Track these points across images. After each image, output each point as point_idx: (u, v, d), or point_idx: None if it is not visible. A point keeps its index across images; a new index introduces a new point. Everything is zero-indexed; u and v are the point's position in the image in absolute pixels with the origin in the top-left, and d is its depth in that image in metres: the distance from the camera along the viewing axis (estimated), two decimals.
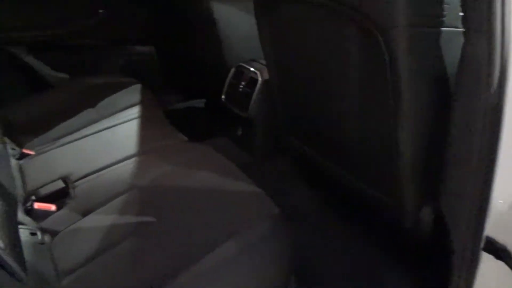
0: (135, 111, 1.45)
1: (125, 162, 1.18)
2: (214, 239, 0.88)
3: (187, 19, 1.66)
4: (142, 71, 2.01)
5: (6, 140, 1.38)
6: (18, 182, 1.17)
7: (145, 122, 1.39)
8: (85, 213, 1.05)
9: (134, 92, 1.59)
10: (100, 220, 1.02)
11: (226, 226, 0.93)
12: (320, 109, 1.16)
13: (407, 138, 0.90)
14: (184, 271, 0.83)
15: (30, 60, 1.78)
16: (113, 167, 1.18)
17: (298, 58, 1.13)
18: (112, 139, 1.32)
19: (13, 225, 0.90)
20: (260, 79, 1.40)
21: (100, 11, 1.83)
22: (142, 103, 1.51)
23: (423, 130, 0.91)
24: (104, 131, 1.36)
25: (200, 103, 2.00)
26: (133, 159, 1.19)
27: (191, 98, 2.05)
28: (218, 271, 0.85)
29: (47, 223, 1.04)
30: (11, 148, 1.34)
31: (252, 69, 1.41)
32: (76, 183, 1.14)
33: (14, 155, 1.31)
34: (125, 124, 1.38)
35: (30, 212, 1.07)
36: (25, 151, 1.33)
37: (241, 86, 1.43)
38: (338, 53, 0.97)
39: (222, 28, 1.46)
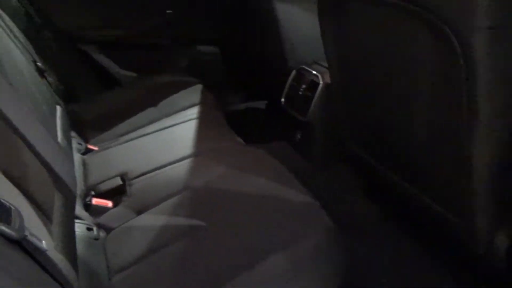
0: (194, 111, 1.46)
1: (181, 162, 1.19)
2: (263, 249, 0.85)
3: (251, 19, 1.64)
4: (206, 71, 2.02)
5: (74, 134, 1.45)
6: (80, 176, 1.22)
7: (204, 123, 1.39)
8: (139, 211, 1.06)
9: (195, 92, 1.60)
10: (153, 219, 1.03)
11: (277, 236, 0.89)
12: (385, 116, 1.08)
13: (484, 153, 0.80)
14: (232, 279, 0.80)
15: (101, 58, 1.86)
16: (169, 167, 1.18)
17: (363, 61, 1.06)
18: (171, 138, 1.33)
19: (69, 220, 0.92)
20: (321, 82, 1.34)
21: (168, 11, 1.86)
22: (202, 103, 1.51)
23: (502, 144, 0.80)
24: (164, 130, 1.38)
25: (261, 104, 1.97)
26: (189, 159, 1.19)
27: (252, 99, 2.03)
28: (266, 283, 0.81)
29: (103, 219, 1.07)
30: (77, 142, 1.41)
31: (313, 72, 1.35)
32: (133, 181, 1.15)
33: (79, 150, 1.37)
34: (184, 124, 1.39)
35: (88, 207, 1.10)
36: (90, 146, 1.39)
37: (301, 89, 1.39)
38: (409, 57, 0.89)
39: (284, 29, 1.43)
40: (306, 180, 1.07)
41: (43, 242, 0.57)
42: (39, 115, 1.01)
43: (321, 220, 0.91)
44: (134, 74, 1.92)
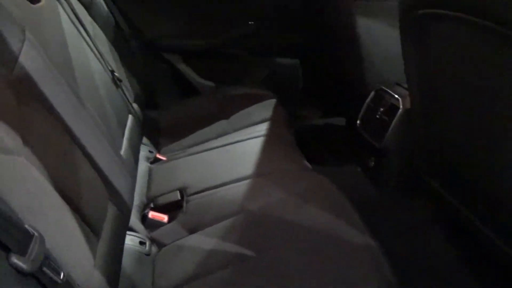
0: (264, 127, 1.41)
1: (241, 182, 1.14)
2: None
3: (331, 33, 1.56)
4: (284, 84, 1.98)
5: (147, 142, 1.49)
6: (143, 187, 1.24)
7: (271, 141, 1.33)
8: (192, 230, 1.04)
9: (268, 107, 1.55)
10: (203, 241, 1.00)
11: (327, 280, 0.80)
12: (472, 151, 0.93)
13: None
14: None
15: (182, 67, 1.90)
16: (228, 186, 1.15)
17: (448, 86, 0.93)
18: (235, 155, 1.30)
19: (119, 234, 0.92)
20: (401, 107, 1.21)
21: (250, 22, 1.85)
22: (273, 120, 1.46)
23: None
24: (230, 146, 1.35)
25: (339, 121, 1.87)
26: (249, 180, 1.15)
27: (330, 115, 1.93)
28: None
29: (156, 234, 1.06)
30: (149, 150, 1.44)
31: (394, 95, 1.22)
32: (191, 197, 1.14)
33: (148, 158, 1.39)
34: (251, 140, 1.35)
35: (144, 219, 1.11)
36: (159, 156, 1.41)
37: (379, 113, 1.26)
38: (502, 84, 0.75)
39: (365, 45, 1.32)
40: (374, 210, 0.97)
41: (63, 272, 0.55)
42: (105, 126, 1.03)
43: (380, 271, 0.80)
44: (212, 84, 1.94)
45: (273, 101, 1.59)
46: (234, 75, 1.95)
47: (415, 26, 0.93)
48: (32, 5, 0.99)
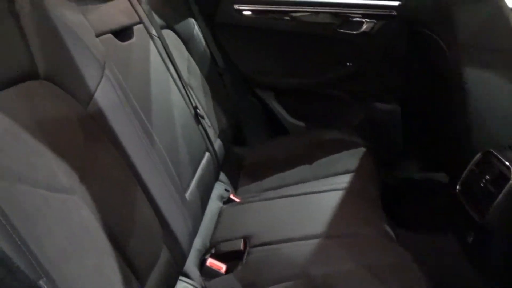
0: (346, 179, 1.29)
1: (308, 241, 1.04)
2: None
3: (435, 82, 1.39)
4: (382, 131, 1.82)
5: (224, 179, 1.46)
6: (210, 228, 1.19)
7: (352, 196, 1.21)
8: (248, 286, 0.96)
9: (355, 157, 1.43)
10: None
11: None
12: None
13: None
14: None
15: (274, 104, 1.87)
16: (294, 243, 1.05)
17: None
18: (309, 208, 1.20)
19: (169, 280, 0.88)
20: None
21: (348, 64, 1.75)
22: (359, 172, 1.33)
23: None
24: (307, 196, 1.26)
25: (440, 177, 1.65)
26: (318, 240, 1.03)
27: (430, 169, 1.72)
28: None
29: (211, 284, 1.00)
30: (224, 189, 1.40)
31: (504, 161, 1.01)
32: (253, 249, 1.06)
33: (222, 198, 1.36)
34: (330, 193, 1.24)
35: (203, 264, 1.06)
36: (233, 196, 1.37)
37: (484, 180, 1.06)
38: None
39: (474, 99, 1.13)
40: None
41: None
42: (174, 165, 1.02)
43: None
44: (303, 124, 1.86)
45: (362, 150, 1.46)
46: (327, 117, 1.86)
47: None
48: (121, 43, 1.02)
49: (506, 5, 1.07)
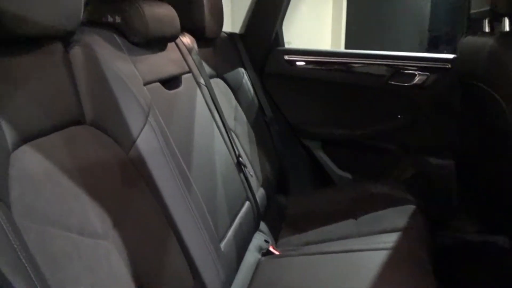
0: (393, 239, 1.21)
1: None
2: None
3: (495, 139, 1.30)
4: (434, 187, 1.72)
5: (265, 229, 1.42)
6: (245, 282, 1.15)
7: (398, 258, 1.12)
8: None
9: (404, 214, 1.35)
10: None
11: None
12: None
13: None
14: None
15: (320, 155, 1.84)
16: None
17: None
18: (350, 268, 1.13)
19: None
20: None
21: (399, 116, 1.70)
22: (407, 231, 1.25)
23: None
24: (349, 254, 1.19)
25: (500, 241, 1.51)
26: None
27: (489, 232, 1.58)
28: None
29: None
30: (264, 240, 1.36)
31: None
32: None
33: (261, 249, 1.32)
34: (374, 252, 1.16)
35: None
36: (272, 248, 1.32)
37: None
38: None
39: None
40: None
41: None
42: (211, 213, 1.00)
43: None
44: (349, 176, 1.81)
45: (412, 208, 1.37)
46: (375, 170, 1.79)
47: None
48: (168, 91, 1.06)
49: None
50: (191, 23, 1.30)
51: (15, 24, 0.60)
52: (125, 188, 0.79)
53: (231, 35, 1.73)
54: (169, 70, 1.11)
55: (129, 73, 0.89)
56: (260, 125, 1.68)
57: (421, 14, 6.11)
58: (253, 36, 1.79)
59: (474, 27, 1.45)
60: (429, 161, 1.70)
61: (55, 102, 0.71)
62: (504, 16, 1.17)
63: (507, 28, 1.21)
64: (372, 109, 1.74)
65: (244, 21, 1.83)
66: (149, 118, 0.88)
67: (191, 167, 1.01)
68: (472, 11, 1.33)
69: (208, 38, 1.39)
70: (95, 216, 0.70)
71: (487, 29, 1.35)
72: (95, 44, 0.83)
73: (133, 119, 0.84)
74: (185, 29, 1.28)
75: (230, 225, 1.13)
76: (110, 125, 0.80)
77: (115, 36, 0.93)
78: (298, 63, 1.79)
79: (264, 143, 1.63)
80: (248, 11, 1.82)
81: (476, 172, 1.56)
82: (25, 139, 0.63)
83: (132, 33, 0.96)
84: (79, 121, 0.76)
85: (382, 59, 1.71)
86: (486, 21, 1.34)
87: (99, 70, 0.81)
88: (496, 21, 1.28)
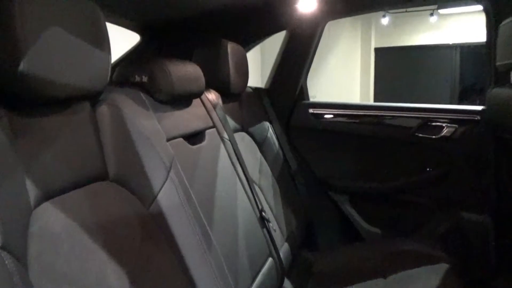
0: None
1: None
2: None
3: None
4: (469, 244, 1.62)
5: (290, 286, 1.37)
6: None
7: None
8: None
9: (437, 273, 1.27)
10: None
11: None
12: None
13: None
14: None
15: (348, 209, 1.79)
16: None
17: None
18: None
19: None
20: None
21: (428, 169, 1.65)
22: None
23: None
24: None
25: None
26: None
27: None
28: None
29: None
30: None
31: None
32: None
33: None
34: None
35: None
36: None
37: None
38: None
39: None
40: None
41: None
42: (231, 270, 0.98)
43: None
44: (379, 232, 1.74)
45: (445, 267, 1.30)
46: (406, 225, 1.72)
47: None
48: (191, 146, 1.08)
49: None
50: (217, 80, 1.35)
51: (45, 87, 0.64)
52: (145, 244, 0.79)
53: (256, 89, 1.78)
54: (193, 125, 1.14)
55: (153, 129, 0.92)
56: (286, 178, 1.67)
57: (450, 66, 6.12)
58: (278, 91, 1.83)
59: (501, 79, 1.43)
60: (464, 217, 1.62)
61: (79, 159, 0.73)
62: None
63: None
64: (401, 161, 1.70)
65: (269, 76, 1.88)
66: (170, 174, 0.90)
67: (212, 222, 1.00)
68: (498, 63, 1.31)
69: (234, 93, 1.43)
70: (112, 272, 0.70)
71: None
72: (121, 103, 0.86)
73: (155, 175, 0.86)
74: (210, 85, 1.32)
75: (252, 282, 1.10)
76: (132, 181, 0.82)
77: (141, 94, 0.97)
78: (323, 116, 1.80)
79: (290, 196, 1.61)
80: (273, 66, 1.87)
81: (508, 228, 1.48)
82: (48, 196, 0.65)
83: (158, 91, 1.00)
84: (102, 177, 0.78)
85: (409, 111, 1.69)
86: None
87: (124, 127, 0.84)
88: None
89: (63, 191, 0.68)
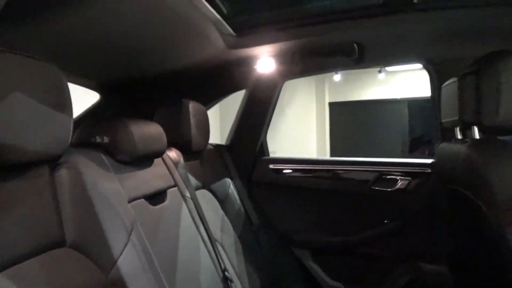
0: None
1: None
2: None
3: (483, 241, 1.29)
4: None
5: None
6: None
7: None
8: None
9: None
10: None
11: None
12: None
13: None
14: None
15: (311, 264, 1.78)
16: None
17: None
18: None
19: None
20: None
21: (386, 221, 1.70)
22: None
23: None
24: None
25: None
26: None
27: None
28: None
29: None
30: None
31: None
32: None
33: None
34: None
35: None
36: None
37: None
38: None
39: None
40: None
41: None
42: None
43: None
44: (342, 286, 1.74)
45: None
46: (368, 278, 1.73)
47: None
48: (152, 207, 1.06)
49: None
50: (179, 138, 1.36)
51: (3, 152, 0.62)
52: None
53: (217, 146, 1.79)
54: (155, 185, 1.12)
55: (114, 192, 0.90)
56: (248, 235, 1.66)
57: (400, 119, 6.48)
58: (239, 147, 1.86)
59: (448, 134, 1.53)
60: (424, 268, 1.65)
61: (36, 226, 0.70)
62: (473, 125, 1.24)
63: (477, 136, 1.28)
64: (361, 215, 1.74)
65: (230, 133, 1.91)
66: (131, 237, 0.87)
67: (175, 285, 0.97)
68: (443, 120, 1.41)
69: (195, 151, 1.44)
70: None
71: (459, 136, 1.42)
72: (81, 165, 0.85)
73: (115, 239, 0.83)
74: (172, 144, 1.33)
75: None
76: (91, 247, 0.79)
77: (102, 156, 0.96)
78: (283, 171, 1.83)
79: (252, 253, 1.59)
80: (233, 123, 1.91)
81: (471, 279, 1.52)
82: (1, 267, 0.61)
83: (120, 152, 0.99)
84: (60, 244, 0.75)
85: (365, 165, 1.76)
86: (458, 129, 1.42)
87: (84, 191, 0.82)
88: (466, 129, 1.35)
89: (17, 260, 0.64)
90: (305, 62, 1.66)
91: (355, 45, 1.52)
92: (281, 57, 1.60)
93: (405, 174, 1.68)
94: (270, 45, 1.52)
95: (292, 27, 1.47)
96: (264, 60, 1.61)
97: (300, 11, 1.51)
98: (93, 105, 1.70)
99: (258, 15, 1.50)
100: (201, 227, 1.24)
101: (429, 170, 1.65)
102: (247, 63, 1.63)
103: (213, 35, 1.31)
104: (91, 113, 1.62)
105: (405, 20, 1.39)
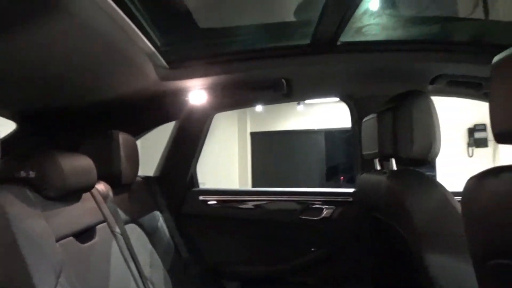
0: None
1: None
2: None
3: (403, 266, 1.39)
4: None
5: None
6: None
7: None
8: None
9: None
10: None
11: None
12: None
13: None
14: None
15: None
16: None
17: None
18: None
19: None
20: None
21: (312, 249, 1.76)
22: None
23: None
24: None
25: None
26: None
27: None
28: None
29: None
30: None
31: None
32: None
33: None
34: None
35: None
36: None
37: None
38: None
39: (440, 286, 1.13)
40: None
41: None
42: None
43: None
44: None
45: None
46: None
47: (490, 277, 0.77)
48: (82, 245, 1.00)
49: (449, 193, 1.17)
50: (108, 171, 1.30)
51: None
52: None
53: (146, 178, 1.75)
54: (84, 221, 1.06)
55: (41, 231, 0.84)
56: (178, 269, 1.61)
57: (317, 149, 6.81)
58: (169, 179, 1.83)
59: (368, 165, 1.65)
60: None
61: None
62: (391, 157, 1.36)
63: (394, 167, 1.40)
64: (288, 244, 1.79)
65: (159, 164, 1.88)
66: (60, 280, 0.81)
67: None
68: (364, 152, 1.53)
69: (124, 184, 1.39)
70: None
71: (378, 167, 1.54)
72: (5, 202, 0.78)
73: (42, 283, 0.77)
74: (100, 177, 1.27)
75: None
76: None
77: (28, 191, 0.89)
78: (210, 202, 1.83)
79: (182, 287, 1.55)
80: (163, 154, 1.87)
81: None
82: None
83: (47, 187, 0.93)
84: None
85: (291, 195, 1.82)
86: (377, 160, 1.54)
87: (8, 231, 0.75)
88: (385, 160, 1.47)
89: None
90: (235, 96, 1.71)
91: (283, 80, 1.60)
92: (212, 90, 1.63)
93: (330, 203, 1.77)
94: (201, 78, 1.54)
95: (222, 62, 1.51)
96: (196, 92, 1.63)
97: (230, 47, 1.56)
98: (7, 135, 1.57)
99: (190, 49, 1.52)
100: (131, 263, 1.19)
101: (351, 199, 1.75)
102: (179, 94, 1.64)
103: (147, 66, 1.30)
104: (5, 144, 1.49)
105: (329, 59, 1.50)
